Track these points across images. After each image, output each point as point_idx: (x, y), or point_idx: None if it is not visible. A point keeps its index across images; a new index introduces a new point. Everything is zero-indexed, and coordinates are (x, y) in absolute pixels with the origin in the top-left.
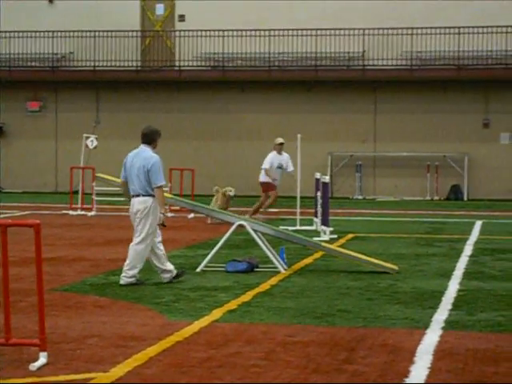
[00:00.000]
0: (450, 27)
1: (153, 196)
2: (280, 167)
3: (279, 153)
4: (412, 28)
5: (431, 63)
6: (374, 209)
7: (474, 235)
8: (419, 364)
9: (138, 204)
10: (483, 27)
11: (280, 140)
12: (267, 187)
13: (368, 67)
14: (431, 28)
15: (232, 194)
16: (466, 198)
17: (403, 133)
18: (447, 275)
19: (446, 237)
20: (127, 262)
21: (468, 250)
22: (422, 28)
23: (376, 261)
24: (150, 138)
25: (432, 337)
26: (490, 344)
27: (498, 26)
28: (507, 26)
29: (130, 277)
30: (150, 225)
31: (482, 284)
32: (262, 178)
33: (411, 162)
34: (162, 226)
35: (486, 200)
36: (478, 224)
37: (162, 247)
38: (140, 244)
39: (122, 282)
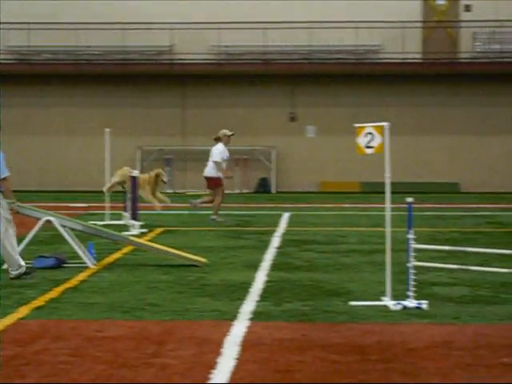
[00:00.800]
0: (255, 22)
1: None
2: (227, 160)
3: (226, 145)
4: (219, 23)
5: (238, 58)
6: (184, 202)
7: (282, 227)
8: (226, 355)
9: None
10: (288, 22)
11: (230, 132)
12: (216, 183)
13: (176, 61)
14: (238, 23)
15: (165, 179)
16: (273, 191)
17: (212, 126)
18: (255, 267)
19: (254, 229)
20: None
21: (275, 241)
22: (229, 23)
23: (185, 254)
24: None
25: (239, 328)
26: (295, 333)
27: (301, 22)
28: (310, 22)
29: (16, 269)
30: (3, 217)
31: (288, 275)
32: (212, 172)
33: None
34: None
35: (293, 192)
36: (286, 216)
37: None
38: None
39: (11, 276)
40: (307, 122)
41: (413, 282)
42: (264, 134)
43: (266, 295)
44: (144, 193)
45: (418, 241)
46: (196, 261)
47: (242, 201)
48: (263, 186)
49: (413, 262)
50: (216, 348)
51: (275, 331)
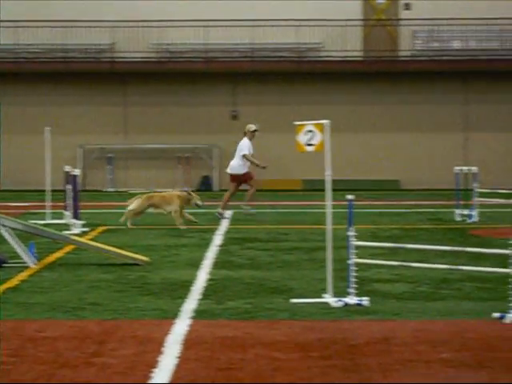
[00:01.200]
0: (197, 20)
1: None
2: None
3: (251, 140)
4: (160, 21)
5: (180, 56)
6: (126, 201)
7: (224, 225)
8: (168, 354)
9: None
10: (230, 20)
11: (254, 127)
12: (247, 176)
13: (117, 60)
14: (180, 21)
15: (200, 203)
16: (217, 189)
17: (154, 125)
18: (197, 265)
19: (196, 227)
20: None
21: (218, 239)
22: (170, 21)
23: (127, 253)
24: None
25: (181, 326)
26: (237, 331)
27: (243, 20)
28: (252, 20)
29: None
30: None
31: (230, 273)
32: (240, 168)
33: (163, 154)
34: None
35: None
36: (228, 214)
37: None
38: None
39: None
40: (249, 120)
41: (354, 279)
42: (206, 133)
43: (208, 293)
44: (172, 208)
45: (359, 238)
46: (137, 259)
47: None
48: (205, 184)
49: (354, 259)
50: (157, 347)
51: (217, 329)
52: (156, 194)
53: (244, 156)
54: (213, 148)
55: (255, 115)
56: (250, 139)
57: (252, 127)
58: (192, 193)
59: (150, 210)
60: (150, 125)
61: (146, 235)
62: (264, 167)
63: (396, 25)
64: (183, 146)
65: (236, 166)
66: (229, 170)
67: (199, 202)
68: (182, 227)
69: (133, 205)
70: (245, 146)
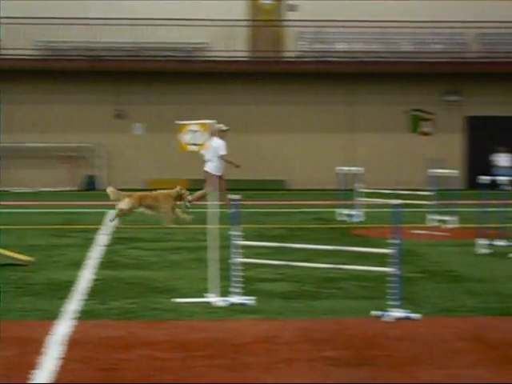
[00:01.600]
0: (82, 18)
1: None
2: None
3: (222, 139)
4: (45, 18)
5: (65, 54)
6: (8, 200)
7: (110, 225)
8: (50, 355)
9: None
10: (115, 19)
11: (226, 127)
12: (212, 179)
13: (1, 57)
14: (65, 18)
15: (189, 198)
16: (101, 188)
17: (38, 123)
18: (81, 265)
19: (80, 227)
20: None
21: (102, 239)
22: (56, 18)
23: (9, 253)
24: None
25: (64, 327)
26: (121, 331)
27: (129, 19)
28: (138, 19)
29: None
30: None
31: (115, 273)
32: (214, 169)
33: (47, 153)
34: None
35: (123, 190)
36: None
37: None
38: None
39: None
40: (136, 120)
41: (239, 279)
42: (90, 131)
43: (91, 293)
44: (166, 208)
45: (244, 238)
46: (20, 260)
47: (68, 198)
48: (89, 184)
49: (237, 259)
50: (39, 348)
51: (100, 329)
52: (148, 194)
53: (221, 157)
54: (97, 147)
55: (141, 115)
56: (221, 138)
57: (223, 127)
58: (183, 189)
59: (141, 209)
60: (35, 123)
61: (29, 235)
62: (238, 166)
63: (281, 26)
64: (67, 145)
65: (212, 166)
66: (206, 168)
67: (189, 198)
68: (172, 226)
69: (124, 204)
70: (220, 146)
